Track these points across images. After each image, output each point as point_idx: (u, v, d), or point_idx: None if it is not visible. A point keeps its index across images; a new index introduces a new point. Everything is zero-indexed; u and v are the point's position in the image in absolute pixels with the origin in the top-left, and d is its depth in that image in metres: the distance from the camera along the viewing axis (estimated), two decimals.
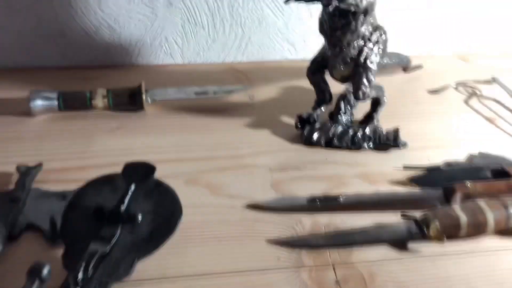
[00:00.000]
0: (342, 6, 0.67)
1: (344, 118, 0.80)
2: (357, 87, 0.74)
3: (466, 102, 0.89)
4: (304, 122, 0.79)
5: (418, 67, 0.97)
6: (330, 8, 0.67)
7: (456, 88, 0.94)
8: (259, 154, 0.74)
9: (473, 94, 0.91)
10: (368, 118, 0.81)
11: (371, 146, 0.76)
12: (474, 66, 1.04)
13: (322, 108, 0.80)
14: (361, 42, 0.72)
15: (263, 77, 0.96)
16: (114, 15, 0.94)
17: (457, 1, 1.03)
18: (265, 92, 0.91)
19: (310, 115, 0.79)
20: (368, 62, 0.73)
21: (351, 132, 0.77)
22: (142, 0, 0.94)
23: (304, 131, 0.77)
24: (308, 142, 0.77)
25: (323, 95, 0.80)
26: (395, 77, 0.93)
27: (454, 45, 1.08)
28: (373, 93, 0.76)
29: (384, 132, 0.76)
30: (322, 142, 0.76)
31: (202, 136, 0.77)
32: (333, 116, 0.80)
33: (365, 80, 0.74)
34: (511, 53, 1.10)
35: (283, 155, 0.74)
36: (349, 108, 0.80)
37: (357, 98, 0.76)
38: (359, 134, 0.76)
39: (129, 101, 0.83)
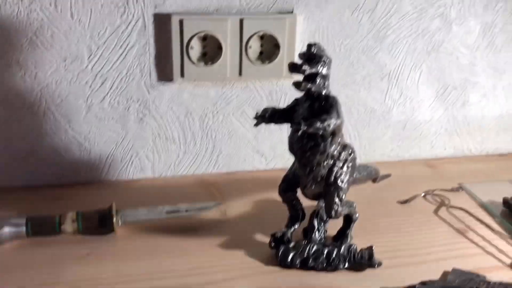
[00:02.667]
0: (311, 130, 0.69)
1: (317, 235, 0.80)
2: (329, 206, 0.75)
3: (435, 212, 0.91)
4: (278, 241, 0.78)
5: (387, 176, 0.99)
6: (299, 133, 0.68)
7: (424, 197, 0.95)
8: (234, 280, 0.72)
9: (441, 204, 0.93)
10: (342, 235, 0.81)
11: (346, 266, 0.75)
12: (441, 172, 1.07)
13: (296, 225, 0.80)
14: (331, 162, 0.74)
15: (235, 190, 0.96)
16: (84, 133, 0.94)
17: (422, 108, 1.07)
18: (238, 207, 0.91)
19: (284, 234, 0.79)
20: (338, 181, 0.74)
21: (326, 251, 0.76)
22: (113, 117, 0.94)
23: (279, 252, 0.77)
24: (283, 264, 0.76)
25: (296, 213, 0.80)
26: (365, 189, 0.94)
27: (422, 151, 1.11)
28: (345, 211, 0.77)
29: (358, 251, 0.76)
30: (297, 263, 0.75)
31: (175, 261, 0.76)
32: (307, 234, 0.80)
33: (336, 199, 0.74)
34: (476, 157, 1.14)
35: (258, 280, 0.73)
36: (323, 225, 0.80)
37: (329, 217, 0.76)
38: (334, 253, 0.76)
39: (99, 224, 0.81)
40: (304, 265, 0.75)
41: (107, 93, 0.93)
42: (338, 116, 0.71)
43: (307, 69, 0.69)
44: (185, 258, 0.76)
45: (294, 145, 0.74)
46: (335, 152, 0.74)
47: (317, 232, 0.80)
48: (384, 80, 1.03)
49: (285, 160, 0.80)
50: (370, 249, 0.76)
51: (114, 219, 0.81)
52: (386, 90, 1.04)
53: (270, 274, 0.74)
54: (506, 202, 0.90)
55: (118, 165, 0.98)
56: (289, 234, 0.79)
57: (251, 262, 0.76)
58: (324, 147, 0.72)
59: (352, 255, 0.76)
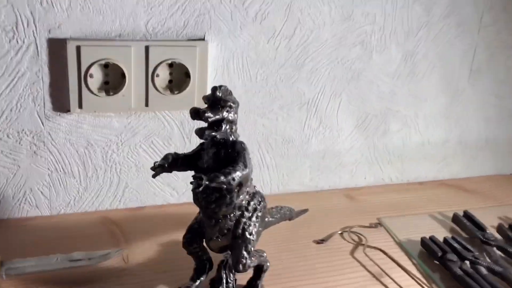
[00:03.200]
0: (213, 185, 0.62)
1: (225, 287, 0.74)
2: (236, 260, 0.69)
3: (352, 253, 0.86)
4: None
5: (303, 212, 0.94)
6: (200, 189, 0.62)
7: (342, 235, 0.91)
8: None
9: (358, 243, 0.89)
10: (251, 286, 0.75)
11: None
12: (360, 204, 1.03)
13: (202, 277, 0.74)
14: (238, 213, 0.68)
15: (141, 229, 0.89)
16: None
17: (341, 137, 1.03)
18: (142, 252, 0.83)
19: None
20: (246, 233, 0.68)
21: None
22: (2, 151, 0.84)
23: None
24: None
25: (202, 264, 0.74)
26: (280, 228, 0.89)
27: (341, 180, 1.08)
28: (254, 262, 0.71)
29: None
30: None
31: None
32: (214, 285, 0.74)
33: (244, 253, 0.68)
34: (396, 186, 1.11)
35: None
36: (231, 276, 0.74)
37: (237, 271, 0.70)
38: None
39: None
40: None
41: None
42: (245, 166, 0.65)
43: (211, 116, 0.63)
44: None
45: (198, 196, 0.67)
46: (243, 202, 0.68)
47: (225, 284, 0.74)
48: (302, 109, 0.98)
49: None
50: None
51: None
52: (304, 119, 0.99)
53: None
54: (423, 242, 0.87)
55: (9, 203, 0.88)
56: None
57: None
58: (231, 199, 0.66)
59: None
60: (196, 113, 0.63)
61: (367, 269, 0.83)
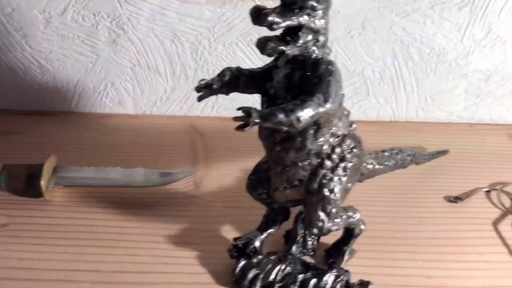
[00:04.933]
0: (267, 125, 0.42)
1: (298, 249, 0.56)
2: (310, 221, 0.50)
3: (495, 224, 0.61)
4: (241, 251, 0.56)
5: (441, 154, 0.69)
6: (246, 128, 0.42)
7: (488, 194, 0.66)
8: None
9: (509, 210, 0.63)
10: (335, 252, 0.56)
11: None
12: None
13: (272, 230, 0.56)
14: (315, 162, 0.47)
15: (226, 147, 0.73)
16: (45, 52, 0.74)
17: None
18: (220, 176, 0.68)
19: (249, 243, 0.55)
20: (324, 190, 0.48)
21: (300, 278, 0.53)
22: (78, 36, 0.72)
23: (237, 267, 0.54)
24: (238, 285, 0.53)
25: (274, 214, 0.56)
26: (398, 175, 0.65)
27: (509, 114, 0.79)
28: (337, 225, 0.51)
29: (348, 285, 0.52)
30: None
31: (104, 250, 0.56)
32: (287, 241, 0.57)
33: (321, 214, 0.49)
34: None
35: None
36: (309, 234, 0.56)
37: (311, 234, 0.52)
38: (311, 284, 0.52)
39: (26, 184, 0.63)
40: None
41: (69, 3, 0.69)
42: (326, 99, 0.43)
43: (277, 21, 0.41)
44: (118, 250, 0.56)
45: (262, 131, 0.48)
46: (325, 148, 0.47)
47: (301, 241, 0.57)
48: (464, 10, 0.69)
49: None
50: (364, 286, 0.52)
51: (42, 182, 0.62)
52: (465, 25, 0.70)
53: None
54: None
55: (90, 95, 0.77)
56: (257, 243, 0.55)
57: (201, 275, 0.55)
58: (302, 144, 0.46)
59: None
60: (256, 15, 0.42)
61: (511, 252, 0.58)
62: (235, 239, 0.56)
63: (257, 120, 0.42)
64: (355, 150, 0.49)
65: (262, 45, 0.43)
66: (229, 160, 0.70)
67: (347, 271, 0.53)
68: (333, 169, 0.48)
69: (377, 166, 0.57)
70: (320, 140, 0.46)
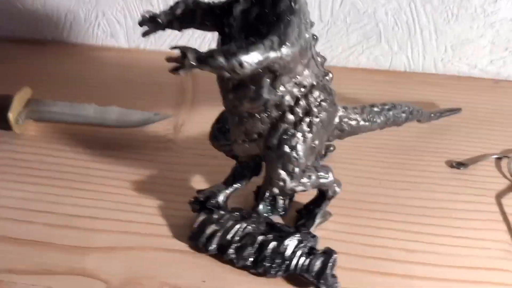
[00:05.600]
0: (205, 69, 0.37)
1: (265, 208, 0.51)
2: (270, 179, 0.44)
3: (499, 197, 0.54)
4: (203, 204, 0.51)
5: (452, 112, 0.61)
6: (180, 72, 0.37)
7: (498, 161, 0.58)
8: (110, 251, 0.48)
9: None
10: (305, 215, 0.51)
11: (281, 273, 0.47)
12: None
13: (239, 185, 0.51)
14: (276, 114, 0.42)
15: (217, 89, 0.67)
16: None
17: None
18: (205, 122, 0.62)
19: (211, 196, 0.51)
20: (285, 147, 0.42)
21: (259, 240, 0.48)
22: None
23: (195, 221, 0.50)
24: (193, 242, 0.49)
25: (241, 167, 0.51)
26: (398, 132, 0.58)
27: None
28: (304, 186, 0.45)
29: (309, 253, 0.47)
30: (212, 247, 0.48)
31: (71, 193, 0.53)
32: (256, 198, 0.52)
33: (281, 172, 0.43)
34: None
35: (151, 258, 0.48)
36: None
37: (271, 194, 0.47)
38: (269, 248, 0.47)
39: None
40: (221, 254, 0.48)
41: None
42: (282, 41, 0.37)
43: None
44: (78, 192, 0.53)
45: (217, 79, 0.43)
46: (286, 99, 0.41)
47: (268, 201, 0.52)
48: None
49: None
50: (327, 255, 0.46)
51: (10, 114, 0.59)
52: None
53: (167, 253, 0.48)
54: None
55: (81, 25, 0.73)
56: (220, 197, 0.51)
57: (157, 226, 0.51)
58: (257, 93, 0.40)
59: (298, 258, 0.47)
60: None
61: (510, 232, 0.51)
62: (198, 191, 0.52)
63: (193, 63, 0.36)
64: (324, 104, 0.43)
65: None
66: (216, 106, 0.64)
67: (314, 236, 0.48)
68: (296, 124, 0.42)
69: (362, 123, 0.50)
70: (280, 90, 0.40)
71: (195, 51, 0.36)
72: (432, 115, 0.59)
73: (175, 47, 0.36)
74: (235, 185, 0.51)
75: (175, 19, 0.42)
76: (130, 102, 0.63)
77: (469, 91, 0.67)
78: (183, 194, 0.53)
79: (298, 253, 0.47)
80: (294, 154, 0.42)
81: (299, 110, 0.42)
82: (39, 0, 0.71)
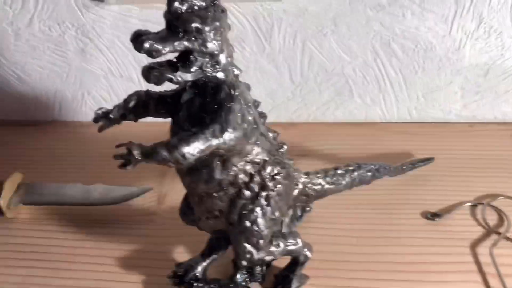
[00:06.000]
0: (150, 162, 0.39)
1: (243, 277, 0.53)
2: (237, 253, 0.46)
3: (474, 246, 0.54)
4: (182, 278, 0.53)
5: (424, 163, 0.62)
6: (127, 168, 0.39)
7: (474, 208, 0.58)
8: None
9: (493, 230, 0.56)
10: (281, 281, 0.52)
11: None
12: None
13: (215, 256, 0.53)
14: (232, 191, 0.43)
15: None
16: (21, 64, 0.73)
17: None
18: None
19: (189, 270, 0.52)
20: (246, 222, 0.44)
21: None
22: (48, 46, 0.71)
23: None
24: None
25: (216, 238, 0.53)
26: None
27: None
28: (273, 255, 0.47)
29: None
30: None
31: (58, 274, 0.55)
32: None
33: (246, 245, 0.45)
34: None
35: None
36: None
37: (241, 266, 0.49)
38: None
39: None
40: None
41: (33, 14, 0.68)
42: (224, 128, 0.39)
43: (158, 48, 0.37)
44: (64, 273, 0.55)
45: None
46: (241, 177, 0.43)
47: (245, 270, 0.53)
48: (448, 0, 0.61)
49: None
50: None
51: (2, 201, 0.62)
52: (452, 15, 0.62)
53: None
54: None
55: (69, 105, 0.77)
56: (198, 270, 0.52)
57: None
58: (209, 175, 0.42)
59: None
60: (135, 41, 0.38)
61: (485, 283, 0.51)
62: (177, 264, 0.54)
63: (139, 158, 0.38)
64: (278, 177, 0.44)
65: (146, 74, 0.39)
66: None
67: None
68: (253, 199, 0.44)
69: (327, 186, 0.51)
70: (232, 169, 0.42)
71: (139, 147, 0.38)
72: (405, 167, 0.60)
73: (120, 145, 0.39)
74: (212, 256, 0.53)
75: (130, 112, 0.45)
76: (116, 177, 0.65)
77: (444, 137, 0.68)
78: (165, 268, 0.54)
79: None
80: (255, 227, 0.44)
81: (254, 186, 0.43)
82: (27, 84, 0.75)
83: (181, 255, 0.57)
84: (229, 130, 0.39)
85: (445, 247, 0.54)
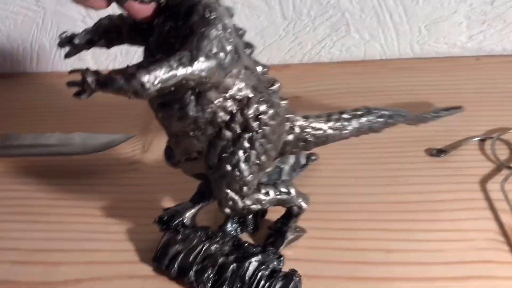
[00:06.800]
0: (107, 91, 0.34)
1: (234, 226, 0.49)
2: (219, 200, 0.42)
3: (484, 182, 0.50)
4: (168, 224, 0.49)
5: (451, 112, 0.55)
6: (82, 96, 0.34)
7: (482, 143, 0.54)
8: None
9: (504, 164, 0.51)
10: (275, 232, 0.48)
11: None
12: None
13: (205, 203, 0.49)
14: (211, 131, 0.39)
15: None
16: None
17: None
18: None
19: (175, 215, 0.48)
20: (226, 166, 0.39)
21: (220, 262, 0.45)
22: None
23: (160, 243, 0.48)
24: (156, 263, 0.47)
25: (206, 183, 0.48)
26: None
27: None
28: (258, 205, 0.43)
29: (273, 278, 0.44)
30: (174, 269, 0.46)
31: (37, 227, 0.52)
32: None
33: (228, 191, 0.41)
34: None
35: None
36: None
37: (225, 215, 0.44)
38: (229, 270, 0.44)
39: None
40: (181, 276, 0.46)
41: None
42: (195, 56, 0.34)
43: None
44: (43, 225, 0.52)
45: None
46: (220, 115, 0.38)
47: (236, 218, 0.49)
48: None
49: None
50: (288, 278, 0.43)
51: None
52: None
53: (131, 280, 0.46)
54: None
55: (47, 54, 0.72)
56: (186, 216, 0.48)
57: (124, 252, 0.49)
58: (183, 111, 0.37)
59: (256, 282, 0.44)
60: None
61: (497, 220, 0.47)
62: (165, 209, 0.50)
63: (93, 86, 0.33)
64: (263, 117, 0.39)
65: None
66: None
67: (279, 256, 0.45)
68: (234, 141, 0.39)
69: (329, 132, 0.45)
70: (209, 106, 0.37)
71: (95, 73, 0.33)
72: (428, 116, 0.53)
73: (74, 70, 0.34)
74: (201, 203, 0.49)
75: (101, 36, 0.40)
76: (97, 126, 0.62)
77: (450, 72, 0.64)
78: (152, 216, 0.50)
79: (259, 275, 0.44)
80: (237, 172, 0.40)
81: (236, 126, 0.38)
82: (2, 33, 0.70)
83: (169, 203, 0.52)
84: (200, 59, 0.33)
85: (453, 184, 0.50)
